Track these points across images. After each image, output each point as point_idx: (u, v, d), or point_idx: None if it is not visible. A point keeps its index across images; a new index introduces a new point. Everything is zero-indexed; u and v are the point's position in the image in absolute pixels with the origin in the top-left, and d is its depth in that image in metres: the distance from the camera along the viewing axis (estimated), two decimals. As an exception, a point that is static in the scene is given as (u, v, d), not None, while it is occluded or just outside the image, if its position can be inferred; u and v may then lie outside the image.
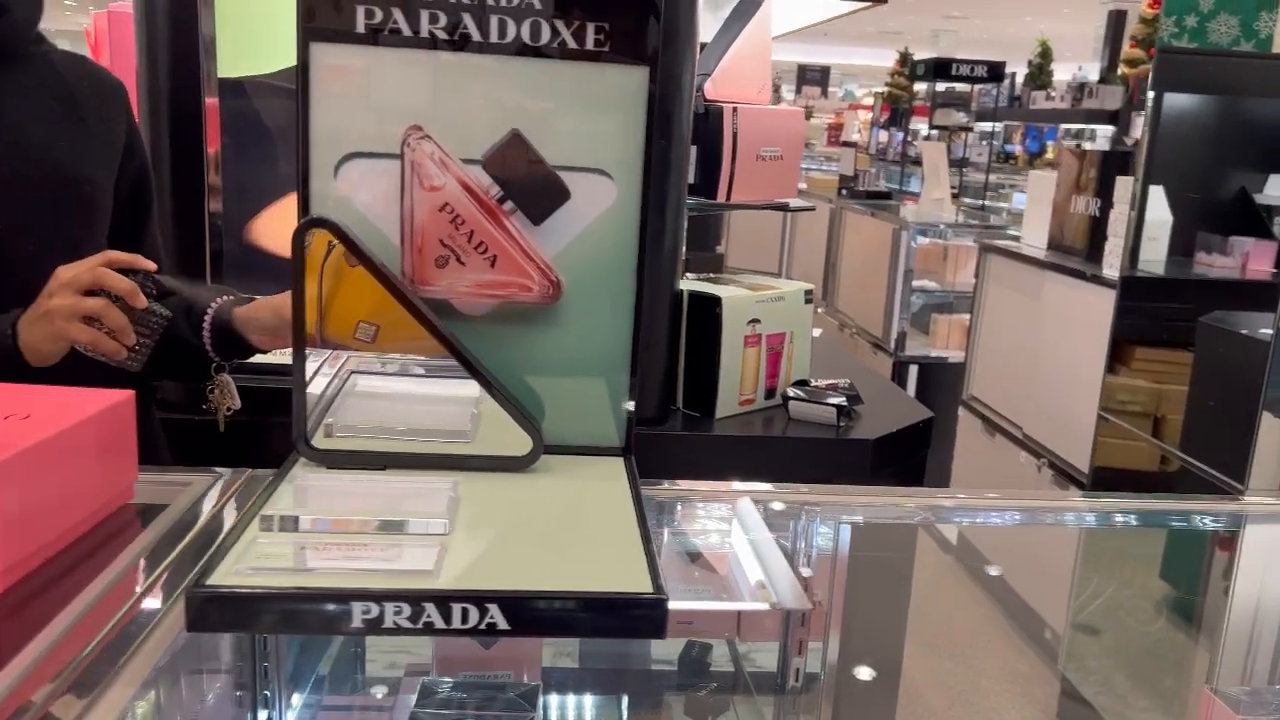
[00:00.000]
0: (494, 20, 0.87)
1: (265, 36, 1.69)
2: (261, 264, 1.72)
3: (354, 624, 0.65)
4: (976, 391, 3.65)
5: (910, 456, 1.94)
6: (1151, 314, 2.88)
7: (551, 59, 0.88)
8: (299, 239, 0.85)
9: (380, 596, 0.65)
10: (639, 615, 0.67)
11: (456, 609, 0.66)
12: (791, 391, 1.87)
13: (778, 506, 1.08)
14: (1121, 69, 8.06)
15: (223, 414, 1.25)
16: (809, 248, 5.68)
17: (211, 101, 1.62)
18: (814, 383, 1.92)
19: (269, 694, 0.98)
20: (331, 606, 0.65)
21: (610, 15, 0.87)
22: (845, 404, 1.84)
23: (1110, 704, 1.43)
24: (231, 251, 1.68)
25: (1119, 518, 1.32)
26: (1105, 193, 3.14)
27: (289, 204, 1.77)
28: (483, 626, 0.66)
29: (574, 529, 0.80)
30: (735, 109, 1.91)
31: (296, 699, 1.05)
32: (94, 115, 1.30)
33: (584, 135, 0.90)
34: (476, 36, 0.87)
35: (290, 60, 1.82)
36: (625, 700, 1.23)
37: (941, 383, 4.14)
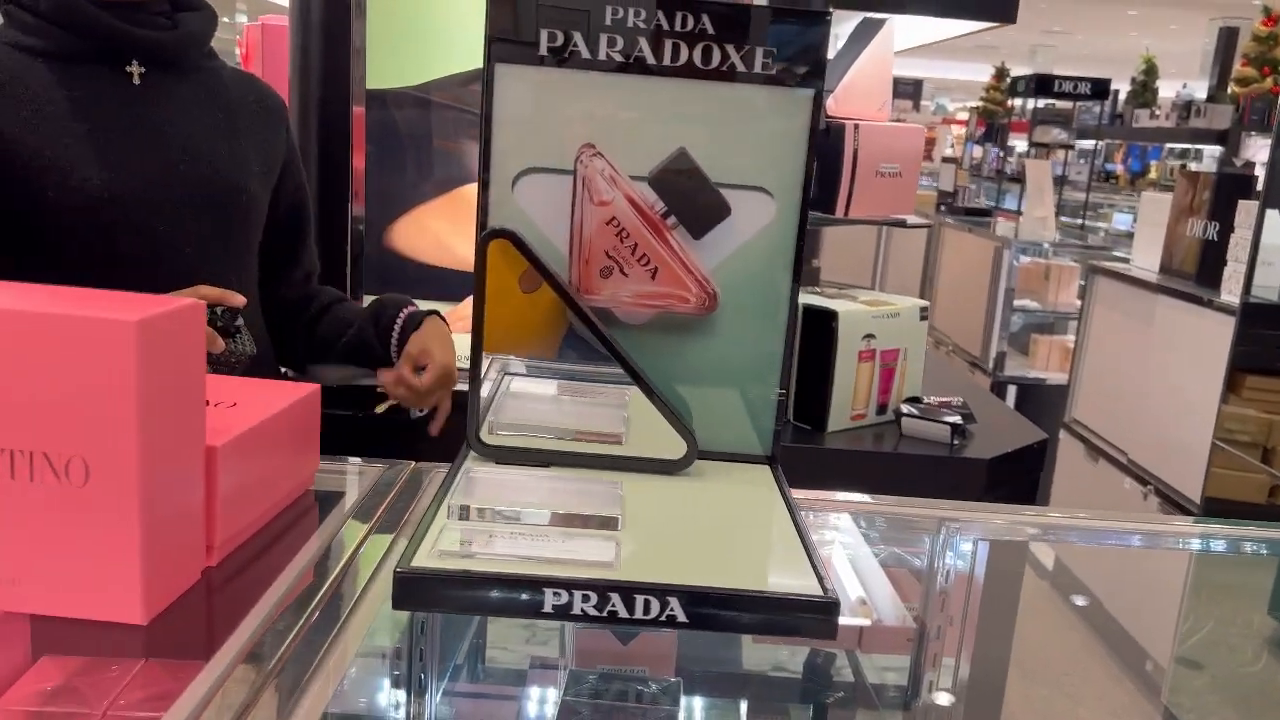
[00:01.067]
0: (668, 44, 0.91)
1: (409, 50, 1.77)
2: (397, 268, 1.80)
3: (545, 609, 0.70)
4: (1079, 415, 3.59)
5: (1024, 478, 1.93)
6: (1267, 342, 2.80)
7: (721, 81, 0.92)
8: (482, 247, 0.90)
9: (570, 585, 0.70)
10: (812, 617, 0.70)
11: (639, 600, 0.70)
12: (905, 408, 1.88)
13: (914, 520, 1.10)
14: (1232, 88, 7.82)
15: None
16: (904, 264, 5.64)
17: (359, 111, 1.71)
18: (927, 400, 1.93)
19: (423, 677, 1.04)
20: (526, 592, 0.70)
21: (779, 41, 0.91)
22: (960, 422, 1.84)
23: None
24: (370, 256, 1.76)
25: (1248, 546, 1.30)
26: (1220, 216, 3.06)
27: (423, 212, 1.85)
28: (662, 618, 0.70)
29: (736, 531, 0.84)
30: (856, 126, 1.93)
31: (437, 685, 1.10)
32: (256, 131, 1.38)
33: (748, 154, 0.93)
34: (651, 60, 0.91)
35: (431, 74, 1.90)
36: (745, 705, 1.26)
37: (1040, 404, 4.08)
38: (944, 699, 1.11)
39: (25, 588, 0.68)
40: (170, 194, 1.27)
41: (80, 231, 1.22)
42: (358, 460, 1.05)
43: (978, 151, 10.59)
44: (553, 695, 1.11)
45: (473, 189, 1.80)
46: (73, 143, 1.21)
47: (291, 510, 0.92)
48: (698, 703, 1.16)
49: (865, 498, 1.16)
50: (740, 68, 0.92)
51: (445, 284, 1.84)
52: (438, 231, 1.80)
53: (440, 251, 1.81)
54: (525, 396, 1.07)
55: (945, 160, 8.39)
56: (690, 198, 0.95)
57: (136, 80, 1.27)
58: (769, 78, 0.92)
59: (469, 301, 1.89)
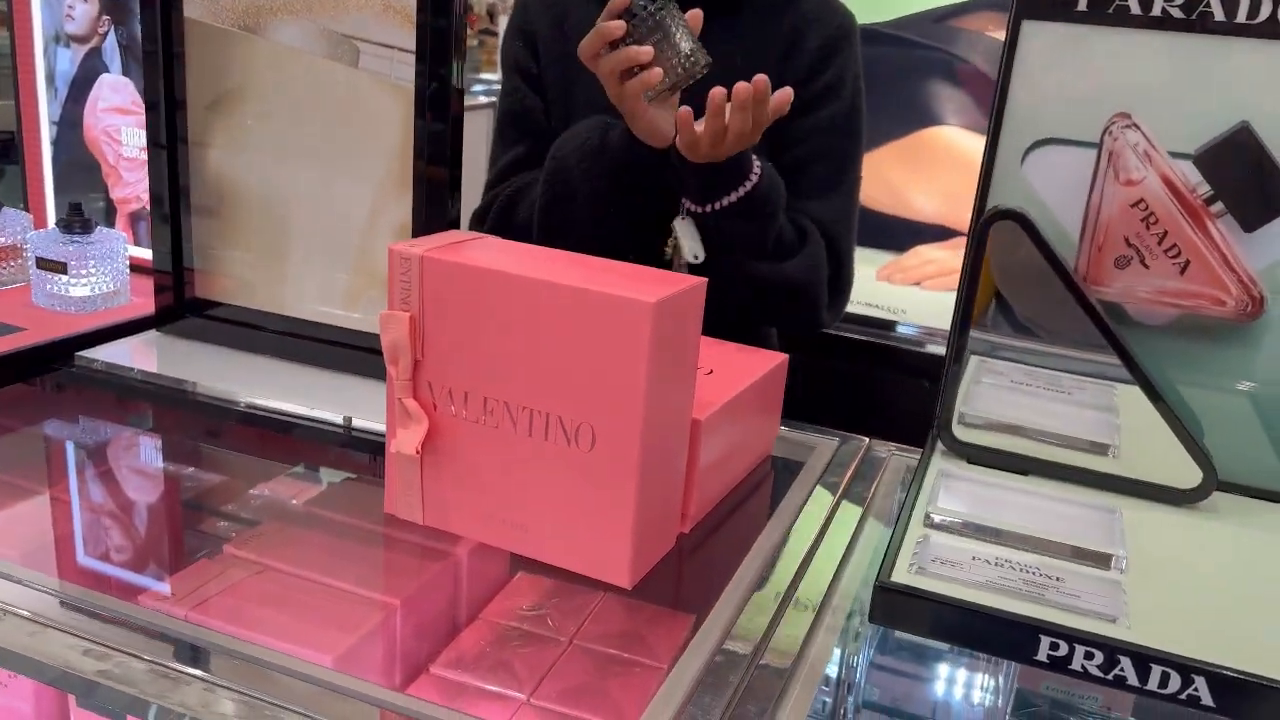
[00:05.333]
0: (1248, -3, 0.75)
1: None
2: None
3: (1038, 657, 0.63)
4: None
5: None
6: None
7: (1311, 43, 0.75)
8: (986, 229, 0.82)
9: (1072, 637, 0.62)
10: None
11: (1156, 671, 0.60)
12: None
13: None
14: None
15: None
16: None
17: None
18: None
19: (854, 661, 1.01)
20: (1018, 634, 0.63)
21: None
22: None
23: None
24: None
25: None
26: None
27: (880, 156, 1.77)
28: (1181, 697, 0.60)
29: (1272, 597, 0.70)
30: None
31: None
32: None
33: (1336, 134, 0.76)
34: (1219, 16, 0.76)
35: (906, 9, 1.78)
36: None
37: None
38: None
39: (531, 535, 0.73)
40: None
41: None
42: (813, 429, 1.03)
43: None
44: (980, 702, 1.04)
45: (935, 133, 1.69)
46: (582, 86, 1.19)
47: (754, 477, 0.91)
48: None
49: None
50: (1343, 26, 0.74)
51: (890, 232, 1.76)
52: (893, 178, 1.72)
53: (892, 199, 1.73)
54: (1000, 388, 0.98)
55: None
56: (1245, 182, 0.79)
57: None
58: (1383, 38, 0.73)
59: (914, 252, 1.81)
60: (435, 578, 0.84)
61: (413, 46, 0.88)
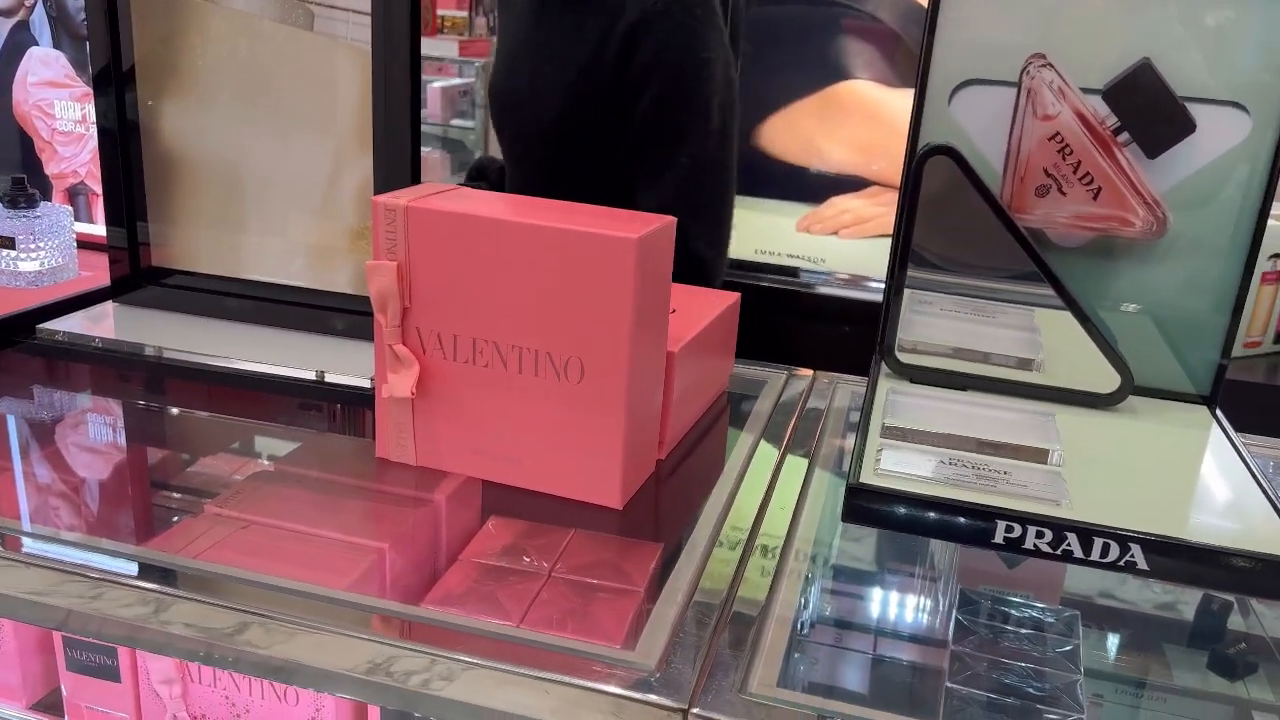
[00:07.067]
0: (1144, -57, 0.83)
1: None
2: (760, 167, 1.82)
3: (995, 540, 0.70)
4: None
5: None
6: None
7: (1202, -16, 0.83)
8: (920, 165, 0.89)
9: (1024, 519, 0.69)
10: (1294, 581, 0.66)
11: (1098, 543, 0.69)
12: (1315, 339, 1.68)
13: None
14: None
15: None
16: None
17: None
18: (1342, 332, 1.71)
19: (809, 575, 1.08)
20: (977, 521, 0.70)
21: (1284, -65, 0.80)
22: (1385, 360, 1.62)
23: None
24: (741, 154, 1.79)
25: None
26: None
27: (794, 111, 1.84)
28: (1120, 563, 0.69)
29: (1189, 477, 0.79)
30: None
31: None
32: (591, 45, 1.25)
33: (1226, 66, 0.85)
34: (1122, -39, 0.84)
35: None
36: (1123, 641, 1.21)
37: None
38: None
39: (524, 466, 0.78)
40: (504, 103, 1.33)
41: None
42: (762, 364, 1.09)
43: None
44: (927, 605, 1.12)
45: (846, 87, 1.76)
46: (504, 39, 1.32)
47: (714, 408, 0.97)
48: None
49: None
50: (1229, -33, 0.82)
51: (806, 185, 1.83)
52: (807, 132, 1.79)
53: (808, 152, 1.81)
54: (932, 315, 1.06)
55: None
56: (1148, 113, 0.87)
57: None
58: (1262, -21, 0.82)
59: (830, 203, 1.89)
60: (416, 523, 0.87)
61: (368, 8, 0.90)
